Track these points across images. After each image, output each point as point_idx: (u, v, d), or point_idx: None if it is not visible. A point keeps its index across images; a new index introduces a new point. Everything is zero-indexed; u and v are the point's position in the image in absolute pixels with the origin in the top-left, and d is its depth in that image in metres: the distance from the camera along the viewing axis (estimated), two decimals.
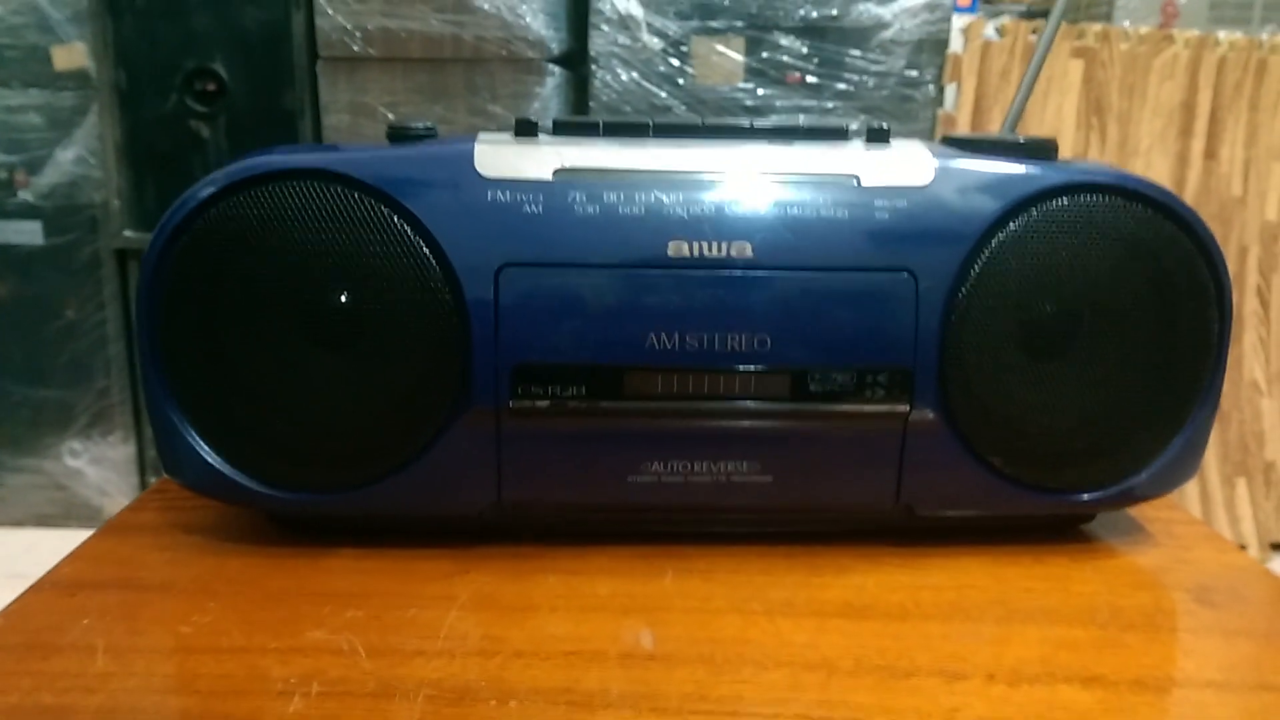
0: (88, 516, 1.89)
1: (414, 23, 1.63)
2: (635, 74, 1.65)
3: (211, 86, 1.75)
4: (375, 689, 0.37)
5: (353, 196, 0.44)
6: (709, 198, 0.45)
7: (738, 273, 0.44)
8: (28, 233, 1.82)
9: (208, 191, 0.45)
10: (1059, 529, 0.51)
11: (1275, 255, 1.86)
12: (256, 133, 1.74)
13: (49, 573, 0.46)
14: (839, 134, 0.49)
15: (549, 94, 1.66)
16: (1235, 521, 1.87)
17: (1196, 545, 0.51)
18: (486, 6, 1.62)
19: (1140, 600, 0.45)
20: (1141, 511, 0.54)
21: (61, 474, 1.90)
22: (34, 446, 1.89)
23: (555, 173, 0.45)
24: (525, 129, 0.48)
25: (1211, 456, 1.87)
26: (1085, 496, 0.48)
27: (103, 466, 1.90)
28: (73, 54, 1.75)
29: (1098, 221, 0.45)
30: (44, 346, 1.85)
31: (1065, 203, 0.45)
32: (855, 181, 0.46)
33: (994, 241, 0.45)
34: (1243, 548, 1.83)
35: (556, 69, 1.67)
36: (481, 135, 0.47)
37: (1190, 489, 1.87)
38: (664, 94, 1.66)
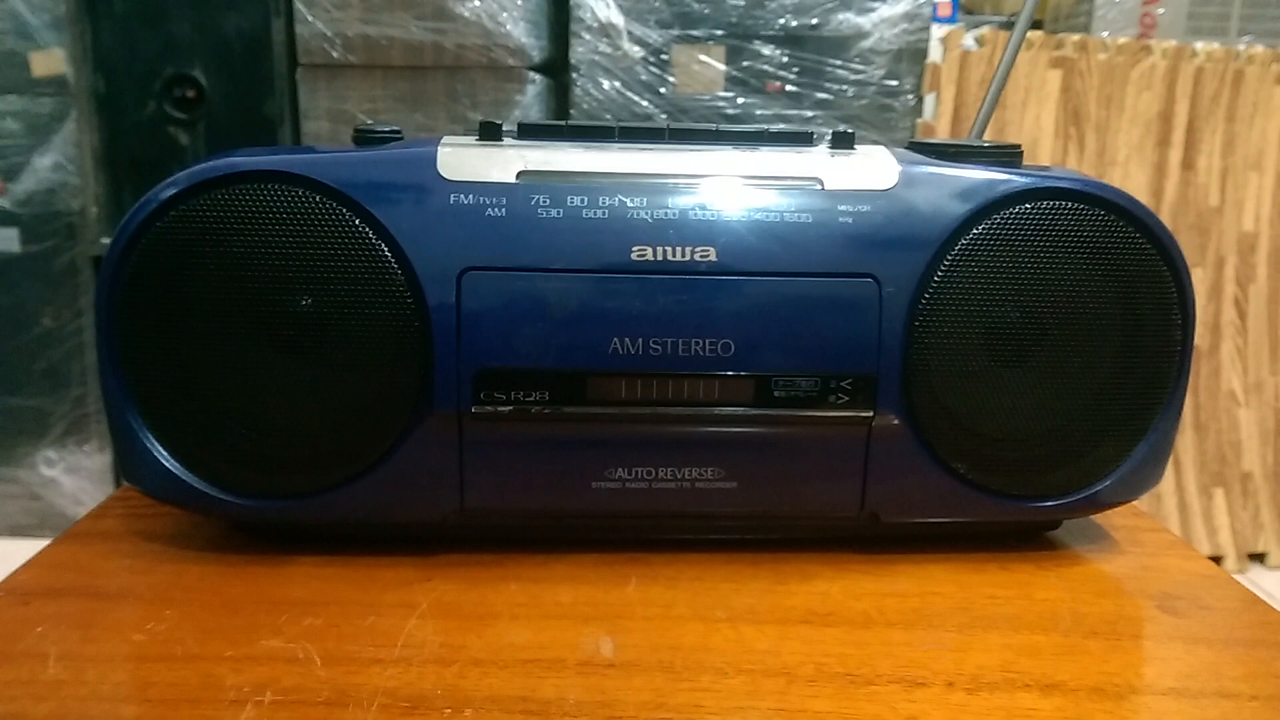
0: (62, 526, 1.87)
1: (394, 30, 1.63)
2: (616, 82, 1.65)
3: (191, 93, 1.74)
4: (329, 697, 0.37)
5: (314, 199, 0.44)
6: (673, 202, 0.45)
7: (702, 277, 0.44)
8: (4, 239, 1.80)
9: (169, 193, 0.44)
10: (1025, 536, 0.51)
11: (1252, 265, 1.87)
12: (236, 139, 1.73)
13: (5, 580, 0.45)
14: (804, 139, 0.49)
15: (530, 102, 1.66)
16: (1213, 532, 1.88)
17: (1162, 553, 0.51)
18: (467, 14, 1.62)
19: (1103, 607, 0.45)
20: (1108, 519, 0.54)
21: (37, 483, 1.88)
22: (9, 455, 1.87)
23: (519, 175, 0.45)
24: (489, 132, 0.47)
25: (1189, 467, 1.88)
26: (1049, 503, 0.48)
27: (78, 476, 1.88)
28: (51, 60, 1.74)
29: (1062, 227, 0.45)
30: (20, 354, 1.83)
31: (1029, 208, 0.45)
32: (819, 186, 0.45)
33: (958, 246, 0.45)
34: (1220, 558, 1.84)
35: (537, 77, 1.67)
36: (445, 138, 0.47)
37: (1168, 499, 1.87)
38: (645, 102, 1.66)
